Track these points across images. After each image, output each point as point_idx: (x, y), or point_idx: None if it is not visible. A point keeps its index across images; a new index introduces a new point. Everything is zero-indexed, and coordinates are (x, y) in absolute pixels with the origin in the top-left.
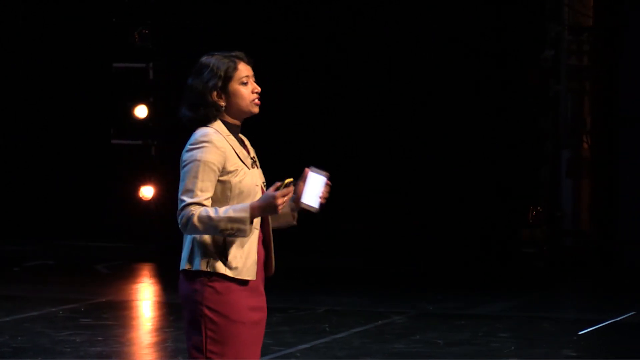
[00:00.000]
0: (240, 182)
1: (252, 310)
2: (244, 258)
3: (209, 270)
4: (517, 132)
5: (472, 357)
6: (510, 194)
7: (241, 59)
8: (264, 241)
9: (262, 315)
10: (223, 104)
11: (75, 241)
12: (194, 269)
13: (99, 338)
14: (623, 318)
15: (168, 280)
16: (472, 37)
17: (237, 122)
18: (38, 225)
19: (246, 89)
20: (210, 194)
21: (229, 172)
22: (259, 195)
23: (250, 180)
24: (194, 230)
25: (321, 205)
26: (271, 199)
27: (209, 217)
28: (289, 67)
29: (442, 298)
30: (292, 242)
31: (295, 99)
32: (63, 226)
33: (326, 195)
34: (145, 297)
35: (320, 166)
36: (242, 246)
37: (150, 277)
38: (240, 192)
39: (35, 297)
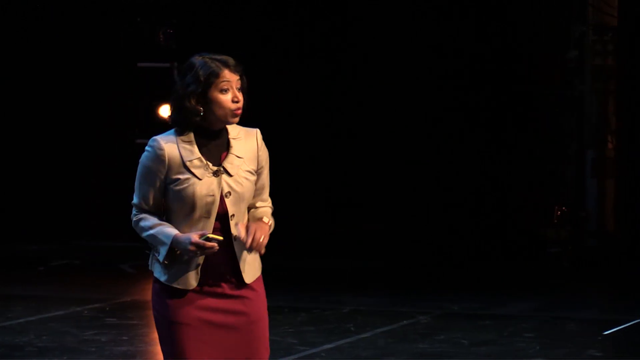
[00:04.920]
0: (179, 191)
1: (203, 311)
2: (176, 266)
3: (153, 271)
4: (542, 132)
5: (497, 357)
6: (536, 194)
7: (227, 66)
8: (229, 249)
9: (225, 318)
10: (201, 109)
11: (100, 241)
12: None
13: (124, 337)
14: None
15: None
16: (497, 38)
17: (216, 128)
18: (63, 224)
19: (226, 98)
20: (150, 197)
21: (172, 180)
22: (215, 205)
23: (199, 190)
24: (137, 231)
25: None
26: (187, 242)
27: (141, 227)
28: (313, 67)
29: (466, 298)
30: (315, 243)
31: (317, 99)
32: (88, 226)
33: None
34: None
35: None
36: (176, 255)
37: None
38: (182, 202)
39: (61, 296)
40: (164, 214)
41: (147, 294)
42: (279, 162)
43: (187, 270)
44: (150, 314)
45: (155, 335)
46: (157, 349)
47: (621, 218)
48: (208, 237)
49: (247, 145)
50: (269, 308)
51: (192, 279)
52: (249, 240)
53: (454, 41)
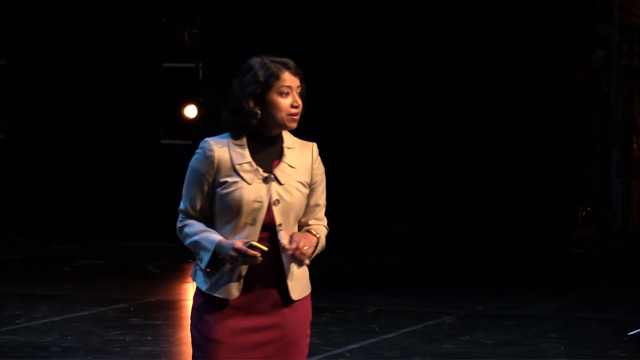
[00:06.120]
0: (226, 195)
1: (240, 331)
2: (218, 274)
3: (195, 281)
4: (567, 133)
5: (522, 358)
6: (560, 194)
7: (287, 68)
8: (277, 262)
9: (260, 337)
10: (259, 112)
11: (125, 241)
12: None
13: (149, 338)
14: None
15: None
16: (523, 38)
17: (271, 134)
18: (88, 224)
19: (285, 101)
20: (197, 202)
21: (220, 184)
22: (262, 212)
23: (247, 195)
24: (181, 239)
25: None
26: (230, 248)
27: (185, 234)
28: (339, 69)
29: (491, 298)
30: (340, 244)
31: (342, 100)
32: (113, 226)
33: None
34: None
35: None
36: (219, 263)
37: None
38: (228, 206)
39: (85, 296)
40: (211, 221)
41: (172, 293)
42: None
43: (230, 279)
44: (175, 314)
45: (180, 335)
46: (182, 349)
47: None
48: (252, 245)
49: (301, 157)
50: None
51: (234, 289)
52: (292, 247)
53: (478, 41)
